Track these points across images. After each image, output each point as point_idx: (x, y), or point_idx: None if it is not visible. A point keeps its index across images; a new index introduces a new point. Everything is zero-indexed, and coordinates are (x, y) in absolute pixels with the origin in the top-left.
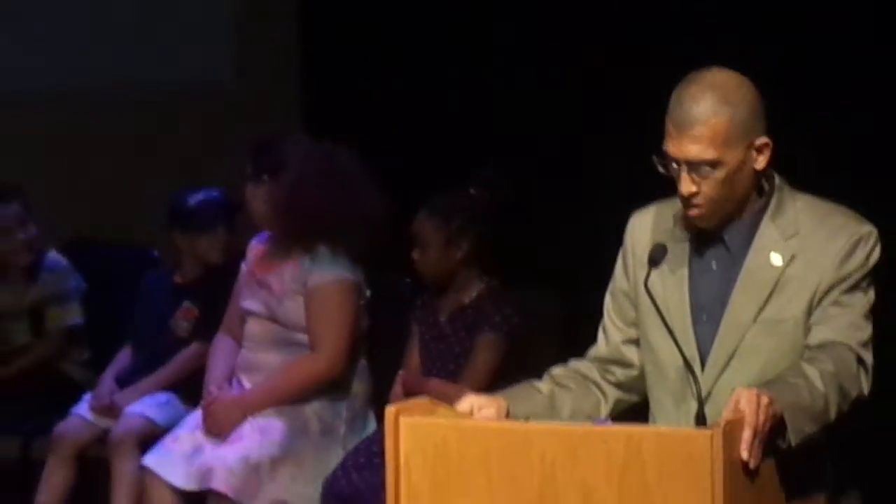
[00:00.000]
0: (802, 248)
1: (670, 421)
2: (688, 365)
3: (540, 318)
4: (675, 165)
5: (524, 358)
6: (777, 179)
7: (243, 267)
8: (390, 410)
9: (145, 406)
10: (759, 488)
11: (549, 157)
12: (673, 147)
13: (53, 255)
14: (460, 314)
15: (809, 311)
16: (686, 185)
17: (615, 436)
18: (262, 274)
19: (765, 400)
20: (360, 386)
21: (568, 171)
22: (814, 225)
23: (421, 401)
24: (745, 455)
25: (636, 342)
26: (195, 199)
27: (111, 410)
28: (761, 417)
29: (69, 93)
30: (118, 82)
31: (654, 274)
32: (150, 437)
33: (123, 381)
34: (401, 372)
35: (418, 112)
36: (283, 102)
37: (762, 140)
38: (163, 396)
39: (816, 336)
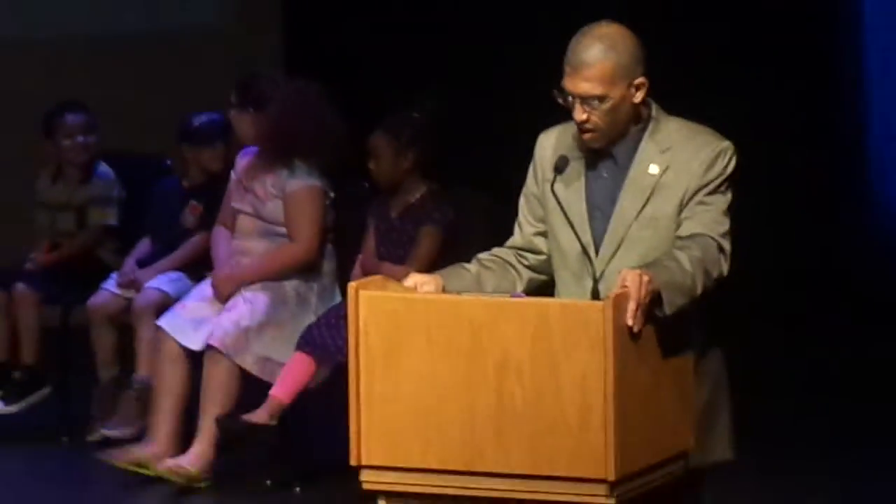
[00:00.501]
0: (674, 159)
1: (571, 296)
2: (585, 251)
3: (471, 214)
4: (570, 98)
5: (458, 245)
6: (654, 106)
7: (233, 175)
8: (352, 286)
9: (160, 282)
10: (641, 348)
11: (481, 88)
12: (569, 84)
13: (104, 167)
14: (407, 211)
15: (680, 210)
16: (579, 114)
17: (528, 306)
18: (249, 181)
19: (646, 278)
20: (328, 267)
21: (496, 99)
22: (683, 141)
23: (376, 279)
24: (630, 322)
25: (544, 234)
26: (199, 119)
27: (133, 285)
28: (643, 292)
29: (98, 36)
30: (129, 27)
31: (559, 180)
32: (164, 306)
33: (142, 264)
34: (360, 256)
35: (375, 53)
36: (267, 42)
37: (640, 80)
38: (174, 274)
39: (686, 229)
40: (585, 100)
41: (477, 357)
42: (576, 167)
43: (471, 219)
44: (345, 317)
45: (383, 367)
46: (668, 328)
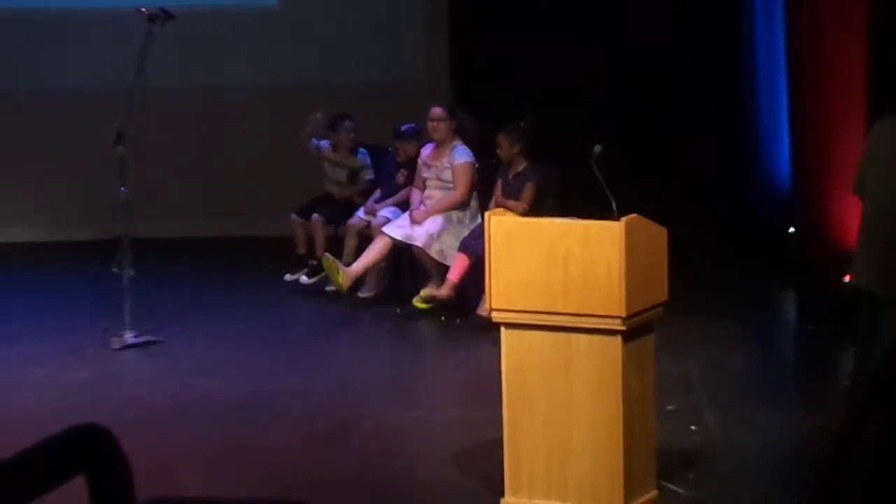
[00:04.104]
0: None
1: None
2: None
3: (549, 177)
4: None
5: (543, 194)
6: None
7: (419, 160)
8: (487, 214)
9: (386, 212)
10: (640, 246)
11: (553, 109)
12: None
13: (363, 151)
14: (517, 175)
15: None
16: None
17: (578, 224)
18: (432, 161)
19: None
20: (473, 203)
21: (560, 111)
22: None
23: (499, 210)
24: None
25: None
26: (405, 127)
27: (372, 213)
28: None
29: (337, 84)
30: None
31: None
32: (386, 223)
33: (377, 202)
34: (493, 198)
35: (498, 91)
36: (439, 87)
37: None
38: (392, 208)
39: None
40: None
41: (552, 251)
42: None
43: (549, 179)
44: (483, 231)
45: (504, 258)
46: (653, 236)
